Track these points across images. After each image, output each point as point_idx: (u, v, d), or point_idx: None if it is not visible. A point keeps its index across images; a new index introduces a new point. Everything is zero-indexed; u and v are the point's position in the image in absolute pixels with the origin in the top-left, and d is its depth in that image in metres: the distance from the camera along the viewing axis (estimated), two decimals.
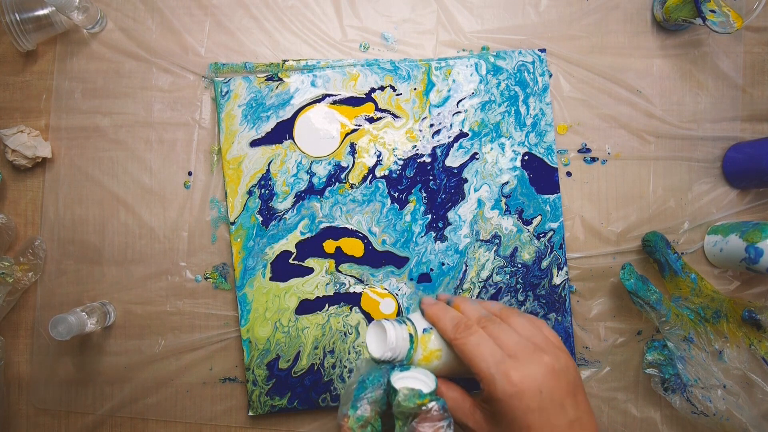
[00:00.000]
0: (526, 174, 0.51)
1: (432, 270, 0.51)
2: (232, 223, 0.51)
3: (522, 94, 0.51)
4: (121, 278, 0.54)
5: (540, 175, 0.51)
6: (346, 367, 0.51)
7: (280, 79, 0.51)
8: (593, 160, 0.53)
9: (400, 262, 0.51)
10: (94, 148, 0.54)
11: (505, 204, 0.51)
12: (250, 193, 0.51)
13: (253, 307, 0.51)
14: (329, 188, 0.51)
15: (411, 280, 0.51)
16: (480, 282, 0.51)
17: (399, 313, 0.51)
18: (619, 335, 0.52)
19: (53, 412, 0.54)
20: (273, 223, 0.51)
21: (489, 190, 0.51)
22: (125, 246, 0.54)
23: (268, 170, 0.51)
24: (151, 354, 0.53)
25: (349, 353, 0.51)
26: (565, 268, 0.51)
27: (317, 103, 0.51)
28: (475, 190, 0.51)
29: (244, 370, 0.51)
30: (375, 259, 0.51)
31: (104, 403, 0.53)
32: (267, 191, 0.51)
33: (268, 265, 0.51)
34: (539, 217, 0.51)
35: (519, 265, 0.51)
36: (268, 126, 0.51)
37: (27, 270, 0.53)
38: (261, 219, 0.51)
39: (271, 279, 0.51)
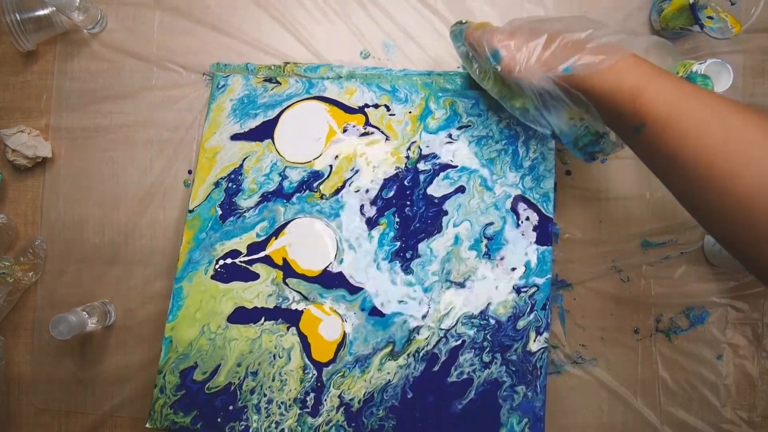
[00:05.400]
0: (514, 218, 0.46)
1: (389, 302, 0.46)
2: (190, 211, 0.49)
3: (523, 134, 0.47)
4: (121, 278, 0.54)
5: (531, 225, 0.47)
6: (266, 395, 0.45)
7: (278, 83, 0.51)
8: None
9: (354, 287, 0.46)
10: (94, 147, 0.54)
11: (486, 246, 0.46)
12: (216, 184, 0.49)
13: (185, 304, 0.47)
14: (298, 194, 0.48)
15: (362, 310, 0.46)
16: (441, 330, 0.45)
17: (342, 339, 0.46)
18: (616, 332, 0.52)
19: (53, 412, 0.54)
20: (231, 218, 0.48)
21: (470, 228, 0.46)
22: (125, 245, 0.54)
23: (241, 165, 0.49)
24: (151, 353, 0.53)
25: (273, 380, 0.45)
26: (545, 334, 0.44)
27: (308, 100, 0.50)
28: (455, 225, 0.46)
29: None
30: (328, 278, 0.46)
31: (104, 403, 0.53)
32: (234, 186, 0.49)
33: (213, 262, 0.47)
34: (523, 269, 0.45)
35: (490, 320, 0.45)
36: (253, 123, 0.50)
37: (27, 270, 0.53)
38: (220, 212, 0.48)
39: (212, 277, 0.47)
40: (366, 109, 0.49)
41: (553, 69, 0.36)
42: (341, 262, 0.47)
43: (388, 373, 0.45)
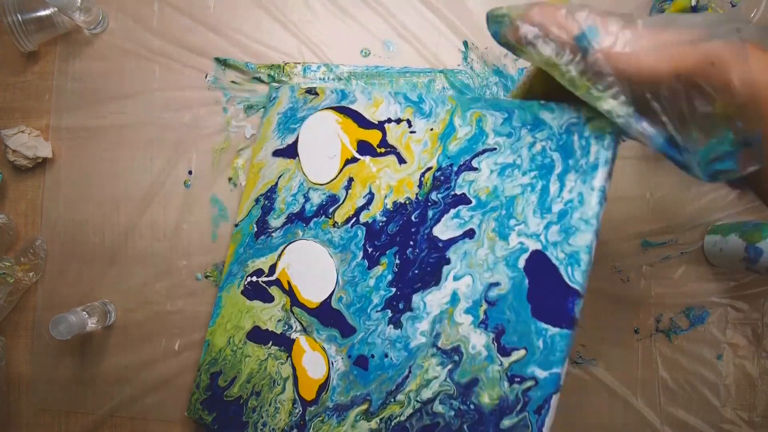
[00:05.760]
0: (526, 281, 0.36)
1: (372, 357, 0.42)
2: (236, 225, 0.51)
3: (560, 165, 0.36)
4: (121, 278, 0.54)
5: (546, 291, 0.35)
6: (262, 417, 0.45)
7: (316, 93, 0.49)
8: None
9: (347, 329, 0.43)
10: (94, 148, 0.54)
11: (485, 313, 0.37)
12: (257, 201, 0.49)
13: (221, 313, 0.50)
14: (315, 219, 0.46)
15: (349, 357, 0.43)
16: (418, 401, 0.39)
17: (326, 381, 0.43)
18: (616, 332, 0.52)
19: (53, 412, 0.54)
20: (262, 237, 0.49)
21: (471, 285, 0.38)
22: (125, 245, 0.54)
23: (276, 183, 0.49)
24: (151, 353, 0.53)
25: (270, 405, 0.45)
26: None
27: (322, 111, 0.48)
28: (455, 278, 0.39)
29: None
30: (326, 314, 0.44)
31: (104, 403, 0.53)
32: (269, 204, 0.49)
33: (244, 277, 0.49)
34: (523, 351, 0.35)
35: (471, 406, 0.36)
36: (291, 138, 0.49)
37: (28, 270, 0.53)
38: (256, 230, 0.49)
39: (242, 292, 0.49)
40: (386, 125, 0.44)
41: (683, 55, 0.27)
42: (339, 300, 0.44)
43: None
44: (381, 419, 0.41)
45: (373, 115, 0.45)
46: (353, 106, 0.46)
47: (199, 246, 0.53)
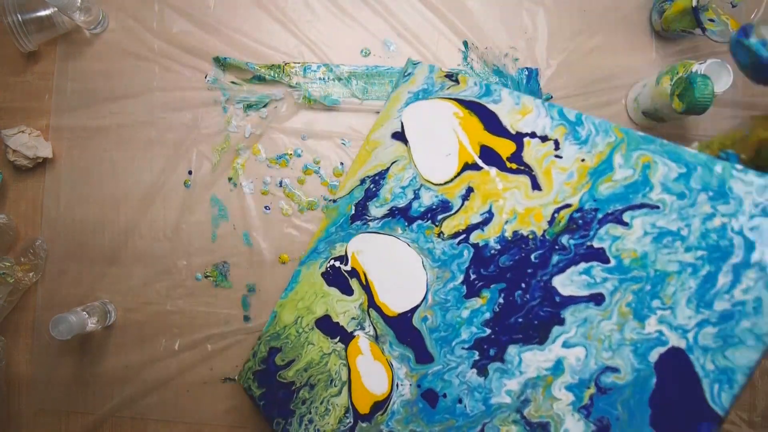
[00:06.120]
0: (653, 380, 0.29)
1: (444, 396, 0.37)
2: (333, 201, 0.47)
3: (741, 254, 0.28)
4: (121, 278, 0.54)
5: (676, 402, 0.28)
6: (310, 413, 0.42)
7: (457, 81, 0.43)
8: None
9: (423, 355, 0.38)
10: (95, 148, 0.54)
11: (591, 398, 0.31)
12: (362, 181, 0.45)
13: (296, 289, 0.46)
14: (420, 221, 0.41)
15: (418, 387, 0.38)
16: None
17: (385, 401, 0.39)
18: None
19: (53, 412, 0.54)
20: (358, 222, 0.44)
21: (582, 360, 0.32)
22: (125, 245, 0.54)
23: (388, 169, 0.44)
24: (151, 354, 0.53)
25: (321, 403, 0.42)
26: None
27: (437, 99, 0.43)
28: (565, 345, 0.32)
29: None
30: (404, 329, 0.40)
31: (104, 403, 0.53)
32: (374, 189, 0.44)
33: (328, 260, 0.45)
34: None
35: None
36: (432, 120, 0.44)
37: (28, 270, 0.53)
38: (353, 212, 0.45)
39: (322, 274, 0.45)
40: (526, 139, 0.38)
41: None
42: (424, 320, 0.39)
43: None
44: None
45: (514, 124, 0.39)
46: (493, 107, 0.40)
47: (199, 246, 0.53)
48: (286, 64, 0.53)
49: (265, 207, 0.53)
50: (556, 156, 0.36)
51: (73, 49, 0.55)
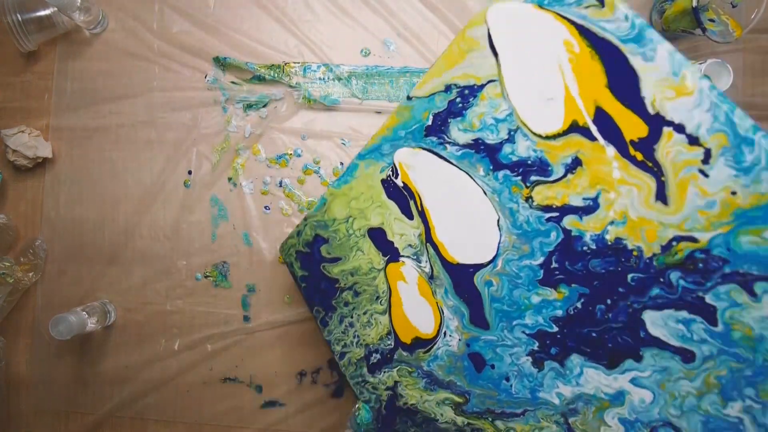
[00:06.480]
0: None
1: (492, 367, 0.35)
2: (409, 98, 0.39)
3: None
4: (121, 278, 0.54)
5: None
6: (352, 318, 0.41)
7: (602, 3, 0.32)
8: None
9: (479, 320, 0.36)
10: (95, 148, 0.54)
11: None
12: (447, 89, 0.37)
13: (351, 184, 0.41)
14: (508, 172, 0.35)
15: (467, 345, 0.36)
16: None
17: (429, 342, 0.38)
18: None
19: (53, 412, 0.54)
20: (432, 138, 0.38)
21: (647, 405, 0.30)
22: (125, 246, 0.54)
23: (482, 87, 0.36)
24: (151, 354, 0.53)
25: (365, 314, 0.40)
26: None
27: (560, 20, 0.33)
28: (634, 382, 0.30)
29: (289, 251, 0.45)
30: (464, 284, 0.37)
31: (104, 403, 0.53)
32: (460, 105, 0.37)
33: (391, 166, 0.40)
34: None
35: None
36: (531, 41, 0.34)
37: (27, 270, 0.53)
38: (430, 123, 0.38)
39: (382, 180, 0.40)
40: (666, 128, 0.30)
41: None
42: (487, 284, 0.35)
43: (442, 415, 0.37)
44: (469, 424, 0.36)
45: (660, 102, 0.30)
46: (637, 63, 0.31)
47: (199, 246, 0.53)
48: (286, 64, 0.53)
49: (265, 207, 0.53)
50: (701, 172, 0.29)
51: (72, 49, 0.55)
